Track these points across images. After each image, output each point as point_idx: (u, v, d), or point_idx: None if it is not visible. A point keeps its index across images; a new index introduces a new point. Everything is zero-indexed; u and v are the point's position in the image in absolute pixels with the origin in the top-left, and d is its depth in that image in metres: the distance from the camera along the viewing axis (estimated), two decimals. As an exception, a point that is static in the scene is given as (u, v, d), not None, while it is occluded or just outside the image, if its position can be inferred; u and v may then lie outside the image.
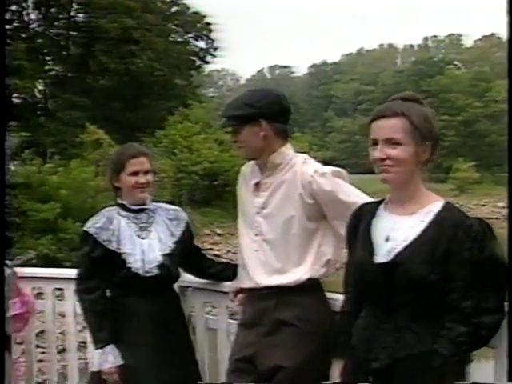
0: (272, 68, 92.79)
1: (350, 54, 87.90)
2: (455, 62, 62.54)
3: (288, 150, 2.39)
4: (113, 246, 2.53)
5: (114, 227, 2.56)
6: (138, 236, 2.57)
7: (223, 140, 21.83)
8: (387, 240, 1.73)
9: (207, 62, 30.32)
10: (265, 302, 2.33)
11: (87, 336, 3.00)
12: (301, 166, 2.35)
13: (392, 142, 1.69)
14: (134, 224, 2.59)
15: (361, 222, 1.82)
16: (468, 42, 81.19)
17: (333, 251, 2.35)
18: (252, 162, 2.49)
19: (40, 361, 3.73)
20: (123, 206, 2.62)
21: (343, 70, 75.41)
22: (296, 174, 2.33)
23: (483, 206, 39.91)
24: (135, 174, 2.55)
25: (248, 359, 2.35)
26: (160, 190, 15.70)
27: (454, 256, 1.62)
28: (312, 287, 2.34)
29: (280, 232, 2.33)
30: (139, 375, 2.50)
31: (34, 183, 13.02)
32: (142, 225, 2.59)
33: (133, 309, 2.53)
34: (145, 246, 2.56)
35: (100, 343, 2.51)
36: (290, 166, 2.37)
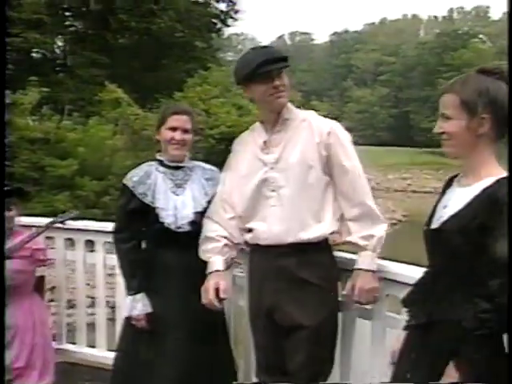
0: (292, 34, 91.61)
1: (373, 23, 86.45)
2: (480, 36, 61.24)
3: (292, 105, 2.50)
4: (147, 200, 2.62)
5: (151, 182, 2.64)
6: (173, 192, 2.64)
7: (242, 105, 21.63)
8: (444, 208, 1.80)
9: (228, 25, 29.80)
10: (285, 259, 2.38)
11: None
12: (315, 119, 2.47)
13: (445, 117, 1.79)
14: (170, 180, 2.66)
15: (443, 191, 1.90)
16: (495, 15, 79.48)
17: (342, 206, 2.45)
18: (250, 129, 2.59)
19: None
20: (161, 162, 2.69)
21: (364, 40, 74.29)
22: (311, 126, 2.43)
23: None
24: (173, 129, 2.62)
25: (267, 312, 2.43)
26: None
27: (488, 232, 1.62)
28: (327, 245, 2.44)
29: (298, 184, 2.38)
30: (166, 323, 2.60)
31: (53, 139, 13.06)
32: (177, 182, 2.66)
33: (164, 261, 2.62)
34: (178, 202, 2.63)
35: (131, 290, 2.64)
36: (300, 120, 2.46)
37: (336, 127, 2.45)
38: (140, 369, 2.63)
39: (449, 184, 1.89)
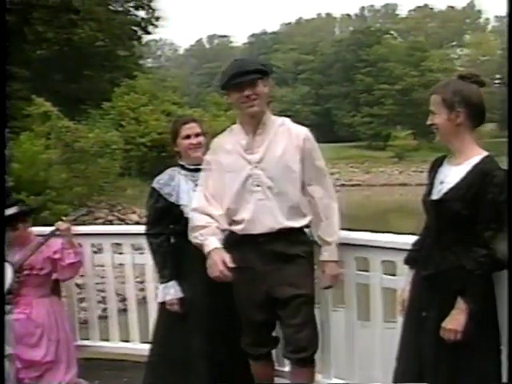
0: (211, 37, 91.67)
1: (289, 23, 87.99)
2: (391, 32, 63.72)
3: (270, 112, 2.87)
4: (173, 199, 3.00)
5: (175, 183, 3.02)
6: (195, 191, 2.97)
7: (170, 111, 21.75)
8: (441, 183, 2.27)
9: (149, 33, 29.63)
10: (275, 243, 2.74)
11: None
12: (291, 126, 2.85)
13: (432, 112, 2.34)
14: (191, 181, 3.04)
15: (433, 169, 2.36)
16: (402, 12, 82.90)
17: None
18: (227, 131, 2.91)
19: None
20: (182, 166, 3.08)
21: (282, 40, 75.39)
22: (290, 131, 2.81)
23: (421, 172, 41.30)
24: (188, 137, 3.04)
25: (266, 292, 2.76)
26: (111, 162, 15.62)
27: (482, 197, 2.13)
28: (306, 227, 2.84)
29: (280, 180, 2.75)
30: (195, 305, 2.95)
31: (-17, 157, 12.72)
32: (197, 182, 2.98)
33: (190, 251, 2.91)
34: None
35: (164, 279, 2.99)
36: (278, 125, 2.82)
37: (309, 134, 2.85)
38: (175, 349, 3.00)
39: (438, 164, 2.38)
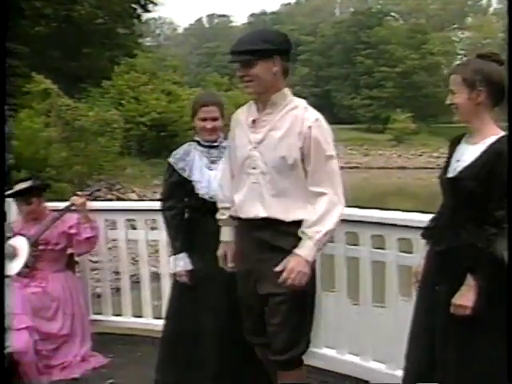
0: (210, 17, 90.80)
1: (289, 3, 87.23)
2: (392, 14, 63.21)
3: (288, 91, 2.60)
4: (185, 174, 3.03)
5: (190, 159, 3.05)
6: (208, 168, 3.03)
7: (170, 91, 21.64)
8: (458, 161, 2.29)
9: (149, 11, 29.38)
10: (261, 231, 2.55)
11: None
12: (303, 111, 2.54)
13: (452, 92, 2.34)
14: (205, 158, 3.07)
15: (451, 147, 2.38)
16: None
17: None
18: (247, 105, 2.70)
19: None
20: (198, 142, 3.10)
21: (282, 20, 74.74)
22: (297, 117, 2.52)
23: (420, 156, 41.37)
24: (204, 119, 3.03)
25: (254, 279, 2.62)
26: (111, 141, 15.55)
27: (494, 176, 2.16)
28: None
29: (275, 167, 2.52)
30: (205, 279, 2.99)
31: (-17, 134, 12.63)
32: (212, 158, 3.05)
33: (202, 226, 3.00)
34: (211, 176, 3.00)
35: (175, 250, 3.05)
36: (290, 108, 2.55)
37: (320, 121, 2.52)
38: (186, 324, 3.06)
39: (456, 142, 2.40)
